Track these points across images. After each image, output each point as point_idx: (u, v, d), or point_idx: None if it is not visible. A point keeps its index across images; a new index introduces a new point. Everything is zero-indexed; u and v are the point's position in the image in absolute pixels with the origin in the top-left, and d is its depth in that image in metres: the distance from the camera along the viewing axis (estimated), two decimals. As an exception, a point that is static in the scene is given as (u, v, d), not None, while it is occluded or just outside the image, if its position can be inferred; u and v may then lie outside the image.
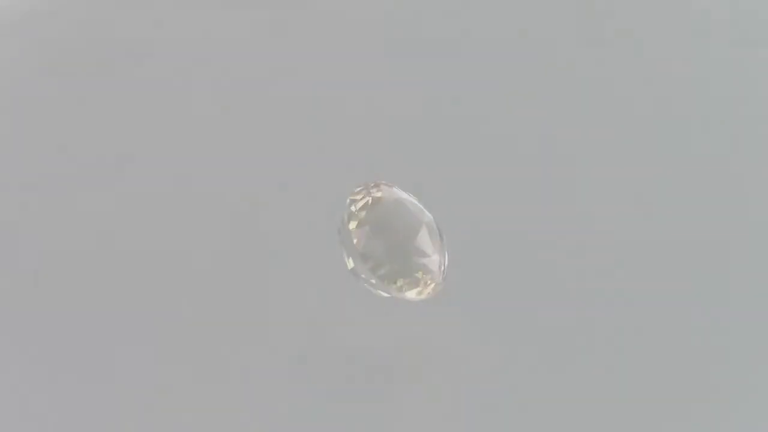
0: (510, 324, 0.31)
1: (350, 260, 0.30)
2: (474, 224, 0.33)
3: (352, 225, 0.30)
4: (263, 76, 0.41)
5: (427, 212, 0.30)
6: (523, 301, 0.31)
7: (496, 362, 0.30)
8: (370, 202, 0.30)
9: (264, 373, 0.30)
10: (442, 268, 0.30)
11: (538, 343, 0.30)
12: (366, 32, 0.43)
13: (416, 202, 0.30)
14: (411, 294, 0.30)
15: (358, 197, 0.30)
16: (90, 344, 0.31)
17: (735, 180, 0.36)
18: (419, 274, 0.30)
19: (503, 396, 0.29)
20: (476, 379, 0.30)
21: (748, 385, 0.29)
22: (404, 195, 0.30)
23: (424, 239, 0.30)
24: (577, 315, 0.31)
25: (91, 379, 0.30)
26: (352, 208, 0.30)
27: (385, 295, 0.30)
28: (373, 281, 0.30)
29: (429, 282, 0.30)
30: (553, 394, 0.29)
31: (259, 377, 0.30)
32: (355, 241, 0.30)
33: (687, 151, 0.37)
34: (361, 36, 0.43)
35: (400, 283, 0.30)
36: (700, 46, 0.41)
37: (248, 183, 0.36)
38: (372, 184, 0.30)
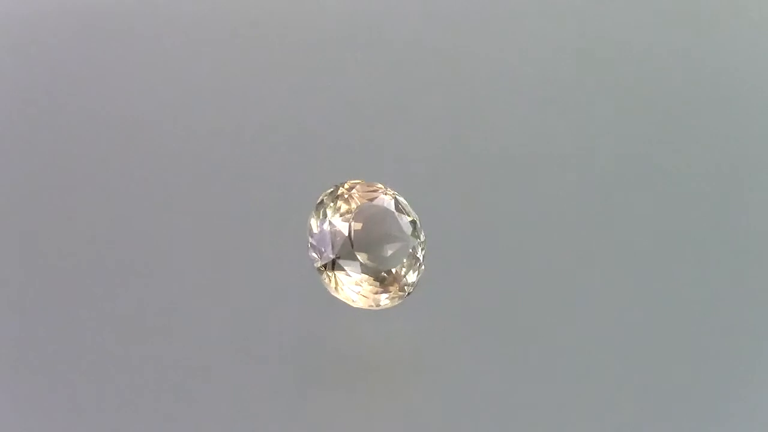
0: (483, 328, 0.31)
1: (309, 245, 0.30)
2: (451, 229, 0.33)
3: (317, 213, 0.30)
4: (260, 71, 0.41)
5: (409, 235, 0.30)
6: (496, 304, 0.32)
7: (468, 365, 0.30)
8: (344, 200, 0.30)
9: (231, 372, 0.30)
10: (398, 290, 0.30)
11: (513, 346, 0.30)
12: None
13: (401, 221, 0.30)
14: (349, 300, 0.30)
15: (336, 191, 0.30)
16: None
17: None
18: (362, 285, 0.30)
19: (474, 399, 0.29)
20: (447, 381, 0.30)
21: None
22: (392, 208, 0.30)
23: (380, 256, 0.29)
24: (552, 320, 0.31)
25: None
26: (326, 198, 0.30)
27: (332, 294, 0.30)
28: (317, 271, 0.30)
29: (369, 294, 0.30)
30: (527, 397, 0.29)
31: (227, 376, 0.30)
32: (310, 229, 0.30)
33: (668, 152, 0.37)
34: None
35: (333, 283, 0.30)
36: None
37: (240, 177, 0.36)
38: (359, 184, 0.30)
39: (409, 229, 0.29)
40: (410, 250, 0.29)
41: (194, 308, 0.31)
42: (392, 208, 0.30)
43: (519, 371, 0.30)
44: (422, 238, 0.30)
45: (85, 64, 0.42)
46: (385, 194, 0.30)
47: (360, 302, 0.30)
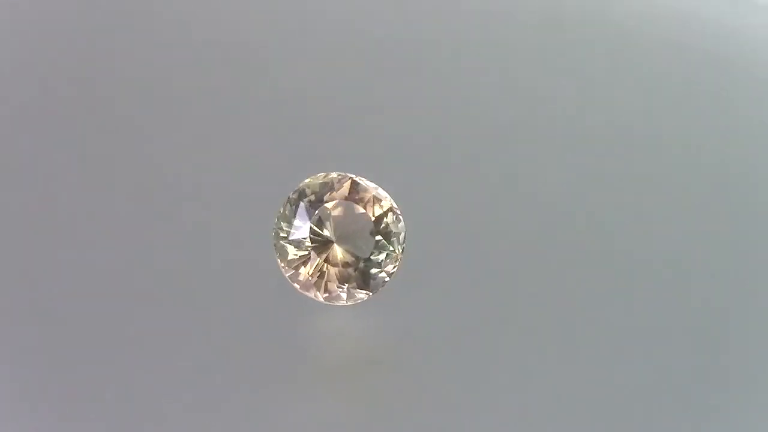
0: (460, 327, 0.31)
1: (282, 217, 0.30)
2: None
3: (297, 194, 0.30)
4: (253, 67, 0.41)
5: (374, 245, 0.30)
6: (473, 303, 0.32)
7: (442, 363, 0.30)
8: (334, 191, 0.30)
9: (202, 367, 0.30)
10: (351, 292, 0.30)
11: (490, 347, 0.31)
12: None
13: (374, 231, 0.30)
14: (297, 283, 0.30)
15: (328, 180, 0.30)
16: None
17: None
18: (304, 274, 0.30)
19: (447, 396, 0.29)
20: (419, 379, 0.30)
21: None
22: (372, 217, 0.30)
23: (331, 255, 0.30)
24: (519, 325, 0.31)
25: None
26: (310, 184, 0.30)
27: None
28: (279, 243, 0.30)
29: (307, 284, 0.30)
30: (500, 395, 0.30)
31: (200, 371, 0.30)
32: (283, 210, 0.30)
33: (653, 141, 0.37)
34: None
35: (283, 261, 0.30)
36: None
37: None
38: (357, 180, 0.30)
39: (368, 241, 0.30)
40: (373, 258, 0.30)
41: (165, 301, 0.31)
42: (372, 217, 0.30)
43: (494, 371, 0.30)
44: (396, 248, 0.30)
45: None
46: (380, 201, 0.30)
47: (306, 288, 0.30)
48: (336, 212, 0.30)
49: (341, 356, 0.31)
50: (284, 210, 0.30)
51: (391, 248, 0.30)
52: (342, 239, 0.30)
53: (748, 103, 0.40)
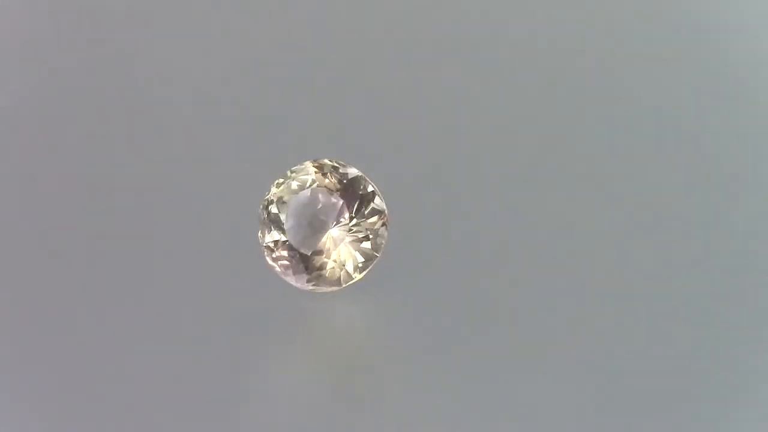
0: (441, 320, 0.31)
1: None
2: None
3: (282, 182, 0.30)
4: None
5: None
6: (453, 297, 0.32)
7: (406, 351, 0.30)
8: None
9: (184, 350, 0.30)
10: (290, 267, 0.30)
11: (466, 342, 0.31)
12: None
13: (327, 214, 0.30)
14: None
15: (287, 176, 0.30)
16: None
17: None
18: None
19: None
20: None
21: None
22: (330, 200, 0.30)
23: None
24: (493, 323, 0.31)
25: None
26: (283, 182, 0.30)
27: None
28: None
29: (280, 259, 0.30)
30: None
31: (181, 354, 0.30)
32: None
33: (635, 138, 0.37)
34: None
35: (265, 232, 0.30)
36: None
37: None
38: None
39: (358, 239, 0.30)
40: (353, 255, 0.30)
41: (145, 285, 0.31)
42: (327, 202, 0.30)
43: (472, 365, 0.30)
44: (376, 254, 0.30)
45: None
46: (374, 205, 0.30)
47: (271, 260, 0.30)
48: (318, 202, 0.30)
49: (311, 340, 0.31)
50: (279, 181, 0.30)
51: (370, 254, 0.30)
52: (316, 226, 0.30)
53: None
